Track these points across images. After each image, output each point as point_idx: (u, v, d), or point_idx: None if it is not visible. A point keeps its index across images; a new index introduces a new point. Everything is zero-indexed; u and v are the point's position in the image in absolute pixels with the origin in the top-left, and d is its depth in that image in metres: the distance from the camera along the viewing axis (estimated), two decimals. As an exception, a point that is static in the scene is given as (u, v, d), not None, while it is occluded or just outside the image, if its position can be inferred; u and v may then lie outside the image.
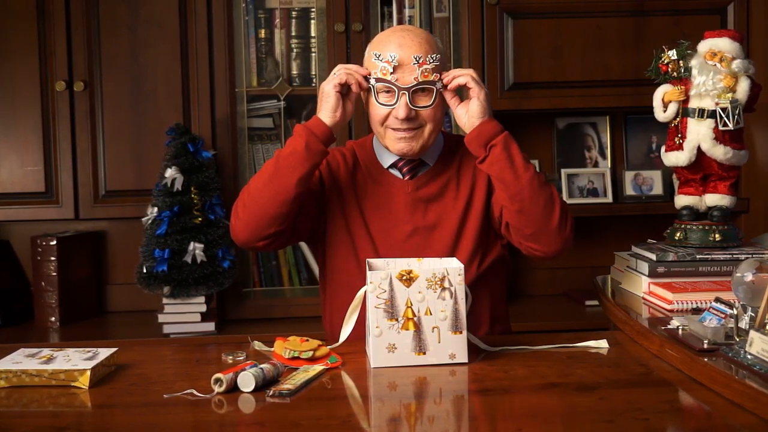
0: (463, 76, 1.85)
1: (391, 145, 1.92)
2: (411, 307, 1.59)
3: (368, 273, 1.60)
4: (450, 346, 1.60)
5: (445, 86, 1.87)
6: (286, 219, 1.85)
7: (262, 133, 3.05)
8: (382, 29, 2.92)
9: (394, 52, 1.84)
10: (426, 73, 1.84)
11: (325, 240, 1.97)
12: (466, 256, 1.90)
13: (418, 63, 1.83)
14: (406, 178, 1.97)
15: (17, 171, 2.92)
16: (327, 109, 1.87)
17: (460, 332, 1.60)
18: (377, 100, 1.87)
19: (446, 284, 1.59)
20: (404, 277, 1.59)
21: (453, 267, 1.60)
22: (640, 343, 1.72)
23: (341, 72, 1.87)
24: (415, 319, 1.59)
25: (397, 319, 1.59)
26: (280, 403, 1.43)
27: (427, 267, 1.66)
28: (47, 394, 1.49)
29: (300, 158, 1.84)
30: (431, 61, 1.84)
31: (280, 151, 1.88)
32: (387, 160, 1.98)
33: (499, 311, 2.02)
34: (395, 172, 1.98)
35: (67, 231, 3.03)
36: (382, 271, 1.59)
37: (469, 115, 1.86)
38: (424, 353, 1.59)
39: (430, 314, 1.59)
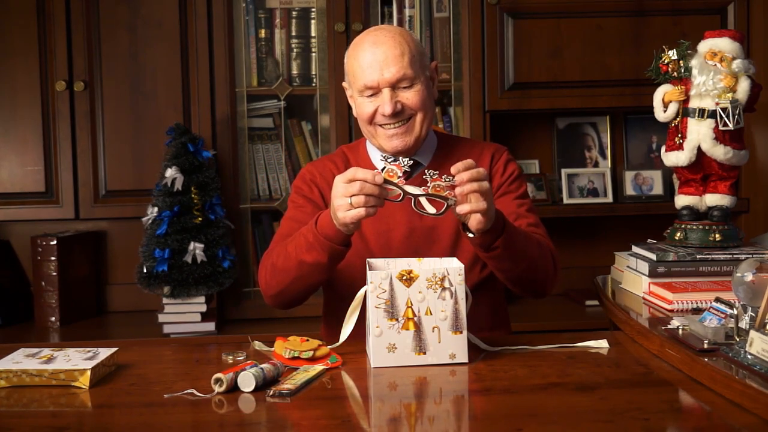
0: (474, 213, 1.64)
1: (384, 143, 1.91)
2: (411, 307, 1.59)
3: (368, 273, 1.60)
4: (450, 346, 1.59)
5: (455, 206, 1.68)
6: (316, 290, 1.88)
7: (262, 133, 3.05)
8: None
9: (373, 73, 1.84)
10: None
11: None
12: (467, 259, 1.89)
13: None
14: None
15: (17, 171, 2.92)
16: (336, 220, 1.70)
17: (460, 332, 1.59)
18: (361, 101, 1.89)
19: (446, 284, 1.59)
20: (404, 277, 1.59)
21: (453, 267, 1.60)
22: (640, 343, 1.72)
23: (360, 210, 1.64)
24: (415, 319, 1.59)
25: (397, 319, 1.59)
26: (280, 403, 1.42)
27: (427, 267, 1.66)
28: (47, 394, 1.49)
29: (325, 268, 1.78)
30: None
31: (300, 250, 1.77)
32: (380, 162, 1.97)
33: (501, 316, 2.02)
34: (390, 174, 1.97)
35: (67, 231, 3.03)
36: (382, 271, 1.59)
37: (469, 224, 1.70)
38: (425, 353, 1.59)
39: (431, 314, 1.59)
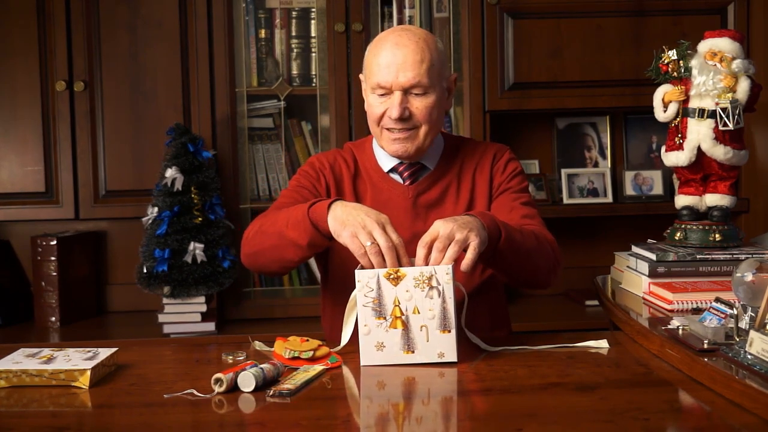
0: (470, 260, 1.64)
1: (386, 146, 1.92)
2: (399, 306, 1.58)
3: (356, 272, 1.60)
4: (438, 345, 1.59)
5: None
6: (290, 269, 1.87)
7: (262, 133, 3.05)
8: (382, 29, 2.93)
9: (388, 75, 1.84)
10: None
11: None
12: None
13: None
14: (407, 183, 1.96)
15: (17, 171, 2.92)
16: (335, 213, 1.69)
17: (449, 331, 1.59)
18: (372, 100, 1.89)
19: (434, 283, 1.58)
20: (391, 276, 1.59)
21: (440, 266, 1.60)
22: (640, 343, 1.72)
23: (374, 256, 1.62)
24: (403, 317, 1.58)
25: (385, 318, 1.58)
26: (280, 403, 1.42)
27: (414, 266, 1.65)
28: (47, 394, 1.49)
29: (301, 250, 1.76)
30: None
31: (286, 222, 1.76)
32: (387, 164, 1.98)
33: (501, 316, 2.02)
34: (396, 176, 1.97)
35: (67, 231, 3.03)
36: (369, 270, 1.59)
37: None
38: (413, 352, 1.59)
39: (418, 313, 1.58)
